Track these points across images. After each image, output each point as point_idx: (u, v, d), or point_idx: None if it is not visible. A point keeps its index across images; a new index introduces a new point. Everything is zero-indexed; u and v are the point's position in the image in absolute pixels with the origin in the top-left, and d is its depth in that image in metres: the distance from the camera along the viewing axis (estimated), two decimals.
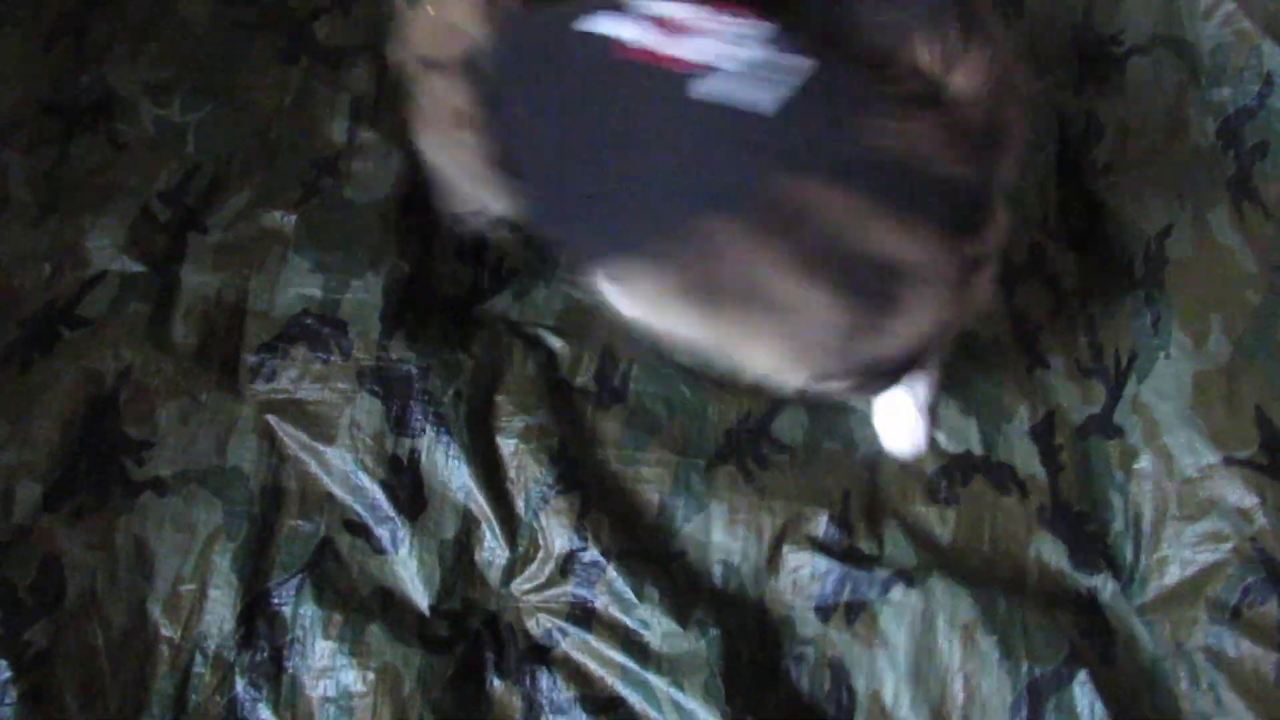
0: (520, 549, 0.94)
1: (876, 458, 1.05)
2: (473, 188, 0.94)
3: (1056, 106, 1.34)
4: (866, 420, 1.07)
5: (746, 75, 0.68)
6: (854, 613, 0.94)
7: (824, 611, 0.94)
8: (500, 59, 0.83)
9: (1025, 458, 1.07)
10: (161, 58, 1.21)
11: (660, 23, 0.73)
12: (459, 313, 1.07)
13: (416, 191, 1.13)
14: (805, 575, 0.95)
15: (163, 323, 1.01)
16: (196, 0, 1.27)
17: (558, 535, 0.93)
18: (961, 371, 1.13)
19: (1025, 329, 1.18)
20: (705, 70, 0.68)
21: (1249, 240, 1.17)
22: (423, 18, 0.92)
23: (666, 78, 0.70)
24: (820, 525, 0.98)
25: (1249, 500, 0.98)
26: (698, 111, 0.68)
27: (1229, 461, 1.01)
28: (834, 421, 1.07)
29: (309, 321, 1.02)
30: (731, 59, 0.69)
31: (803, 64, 0.69)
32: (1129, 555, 1.02)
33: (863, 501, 1.02)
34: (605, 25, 0.75)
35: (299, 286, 1.05)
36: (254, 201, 1.10)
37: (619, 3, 0.77)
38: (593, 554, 0.94)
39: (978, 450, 1.07)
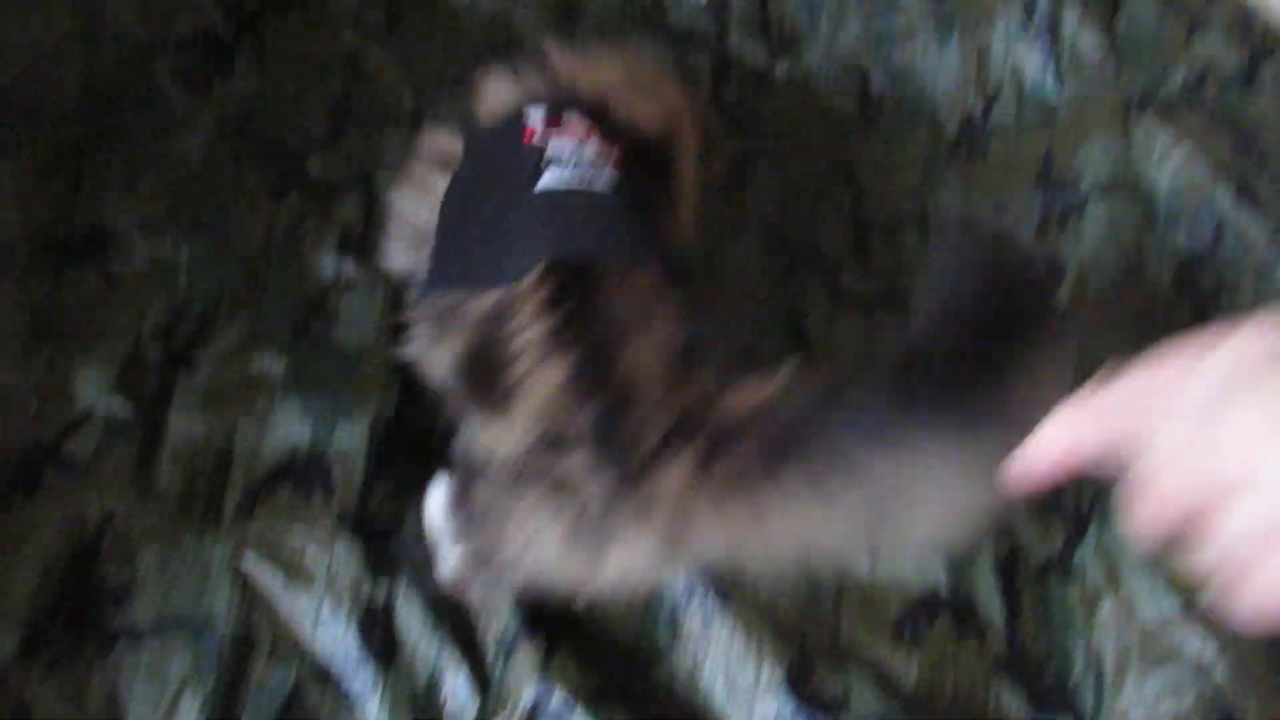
0: (490, 700, 0.94)
1: (840, 595, 1.07)
2: (408, 253, 1.01)
3: (1021, 244, 1.39)
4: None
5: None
6: None
7: None
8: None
9: (988, 597, 1.09)
10: (156, 193, 1.24)
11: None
12: (440, 453, 1.08)
13: (401, 329, 1.17)
14: None
15: (148, 467, 1.02)
16: (191, 135, 1.31)
17: (525, 683, 0.94)
18: None
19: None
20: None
21: None
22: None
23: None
24: (785, 668, 0.99)
25: (1209, 653, 1.01)
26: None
27: (1190, 611, 1.03)
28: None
29: (294, 465, 1.04)
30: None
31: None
32: (1090, 701, 1.03)
33: (826, 643, 1.03)
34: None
35: (286, 430, 1.07)
36: (243, 342, 1.13)
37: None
38: (559, 700, 0.94)
39: (944, 586, 1.09)
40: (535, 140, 0.88)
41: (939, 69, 1.55)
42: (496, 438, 0.76)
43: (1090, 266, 1.34)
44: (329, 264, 1.21)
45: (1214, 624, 1.02)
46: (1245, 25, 1.52)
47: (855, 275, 1.35)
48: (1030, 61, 1.52)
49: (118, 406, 1.06)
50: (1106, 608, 1.07)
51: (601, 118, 0.94)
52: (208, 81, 1.36)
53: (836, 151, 1.49)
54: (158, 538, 0.99)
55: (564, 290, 0.74)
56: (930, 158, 1.50)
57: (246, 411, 1.08)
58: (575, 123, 0.90)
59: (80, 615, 0.93)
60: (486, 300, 0.78)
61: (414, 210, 0.99)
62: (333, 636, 0.95)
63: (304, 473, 1.04)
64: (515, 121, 0.91)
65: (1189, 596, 1.04)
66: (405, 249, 1.01)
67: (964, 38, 1.55)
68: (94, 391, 1.07)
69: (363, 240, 1.25)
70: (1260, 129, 1.44)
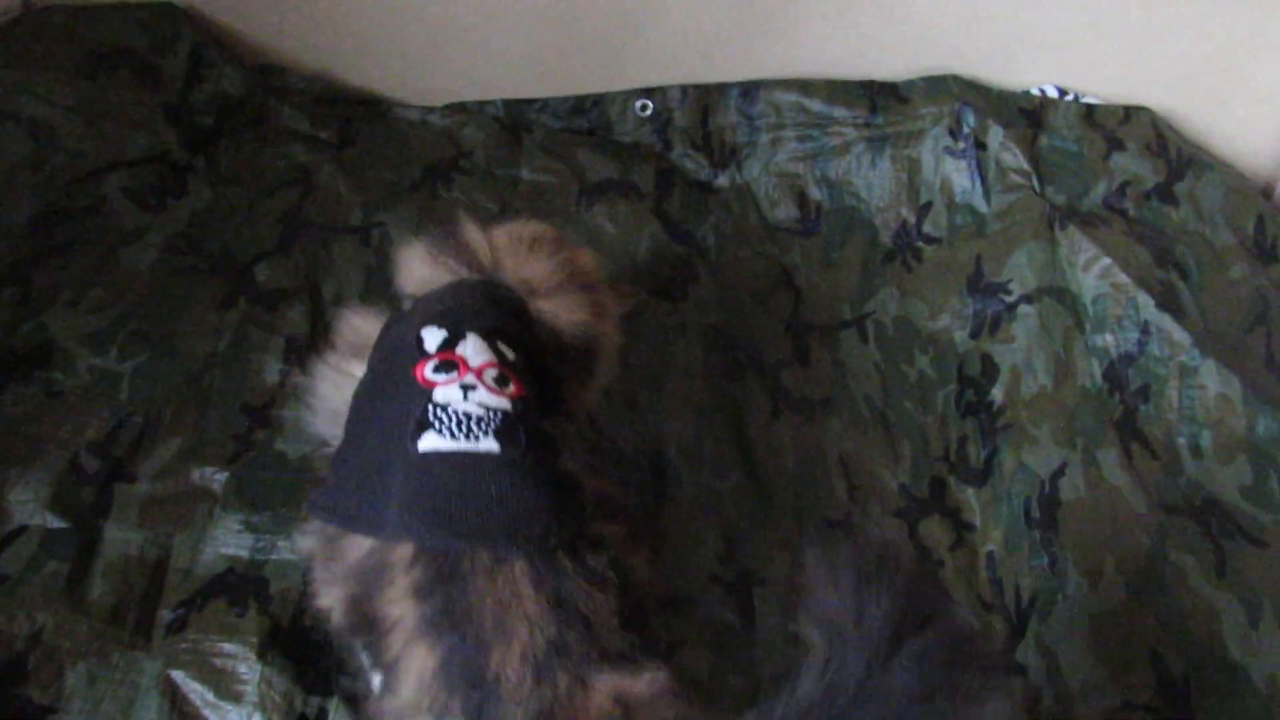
0: None
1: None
2: (327, 425, 1.01)
3: (954, 348, 1.44)
4: (772, 654, 1.09)
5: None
6: None
7: None
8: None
9: None
10: (103, 305, 1.25)
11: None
12: None
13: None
14: None
15: (80, 581, 1.01)
16: (142, 249, 1.33)
17: None
18: None
19: (929, 564, 1.22)
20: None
21: (1137, 480, 1.25)
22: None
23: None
24: None
25: None
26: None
27: (1128, 706, 1.04)
28: (739, 659, 1.09)
29: (230, 579, 1.04)
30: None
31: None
32: None
33: None
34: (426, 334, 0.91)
35: (225, 546, 1.06)
36: (184, 454, 1.13)
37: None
38: None
39: None
40: (426, 375, 0.86)
41: (873, 182, 1.62)
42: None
43: (1023, 368, 1.38)
44: (273, 373, 1.22)
45: (1153, 717, 1.03)
46: (1160, 144, 1.61)
47: (796, 377, 1.39)
48: (958, 176, 1.59)
49: (53, 520, 1.05)
50: (1047, 703, 1.07)
51: (515, 314, 0.96)
52: (160, 199, 1.39)
53: (777, 258, 1.54)
54: (87, 654, 0.97)
55: (435, 576, 0.76)
56: (867, 264, 1.55)
57: (184, 525, 1.08)
58: (471, 352, 0.88)
59: None
60: (364, 546, 0.80)
61: (331, 392, 1.00)
62: None
63: (240, 587, 1.03)
64: (409, 345, 0.90)
65: (1128, 693, 1.05)
66: (325, 422, 1.02)
67: (895, 153, 1.62)
68: (28, 508, 1.06)
69: (308, 349, 1.26)
70: (1178, 240, 1.51)
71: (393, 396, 0.87)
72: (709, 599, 1.14)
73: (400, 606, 0.76)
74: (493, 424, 0.82)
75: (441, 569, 0.76)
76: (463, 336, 0.89)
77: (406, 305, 1.02)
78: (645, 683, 0.76)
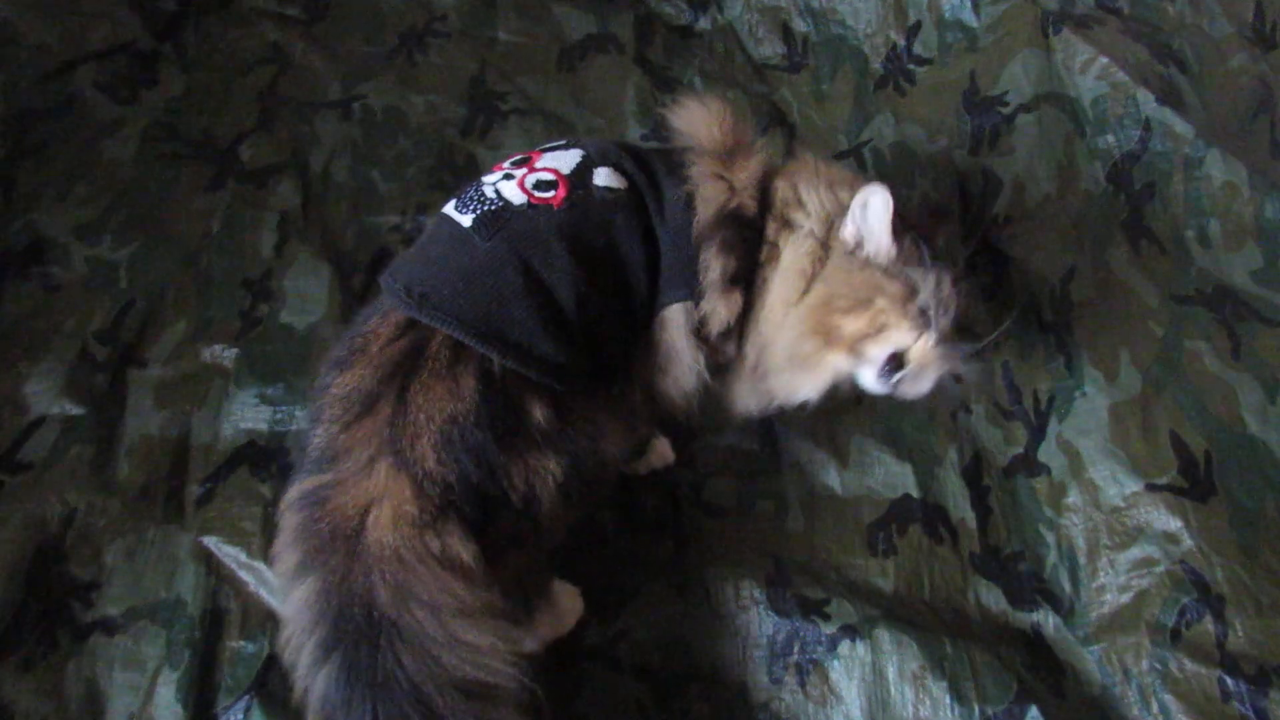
0: None
1: (813, 513, 1.09)
2: None
3: (955, 167, 1.41)
4: (798, 476, 1.11)
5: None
6: (804, 672, 0.95)
7: (774, 674, 0.95)
8: None
9: (957, 499, 1.11)
10: (90, 198, 1.24)
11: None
12: None
13: (349, 304, 1.17)
14: (753, 636, 0.97)
15: (106, 464, 1.02)
16: (122, 140, 1.31)
17: None
18: (893, 420, 1.17)
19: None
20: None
21: (1147, 275, 1.24)
22: None
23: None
24: (762, 585, 0.99)
25: (1174, 524, 1.02)
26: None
27: (1151, 488, 1.05)
28: (766, 483, 1.11)
29: (252, 451, 1.04)
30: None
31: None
32: (1067, 587, 1.05)
33: (802, 559, 1.04)
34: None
35: (243, 420, 1.07)
36: (192, 334, 1.13)
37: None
38: None
39: (915, 493, 1.10)
40: (504, 164, 0.89)
41: (858, 7, 1.57)
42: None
43: (1025, 178, 1.36)
44: (269, 244, 1.21)
45: (1173, 498, 1.04)
46: None
47: None
48: None
49: (71, 408, 1.05)
50: (1072, 495, 1.08)
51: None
52: (133, 89, 1.35)
53: (766, 96, 1.51)
54: (123, 531, 0.98)
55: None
56: (859, 93, 1.52)
57: (201, 403, 1.08)
58: (553, 160, 0.87)
59: (51, 613, 0.93)
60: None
61: None
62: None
63: (261, 458, 1.03)
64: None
65: (1151, 474, 1.06)
66: None
67: None
68: (45, 398, 1.06)
69: (302, 218, 1.25)
70: (1176, 34, 1.47)
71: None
72: (733, 431, 1.15)
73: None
74: (486, 206, 0.83)
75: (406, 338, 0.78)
76: (567, 148, 0.89)
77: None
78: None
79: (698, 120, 0.91)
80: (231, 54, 1.41)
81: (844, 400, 1.17)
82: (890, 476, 1.11)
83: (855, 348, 0.89)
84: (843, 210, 0.91)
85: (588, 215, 0.84)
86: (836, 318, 0.88)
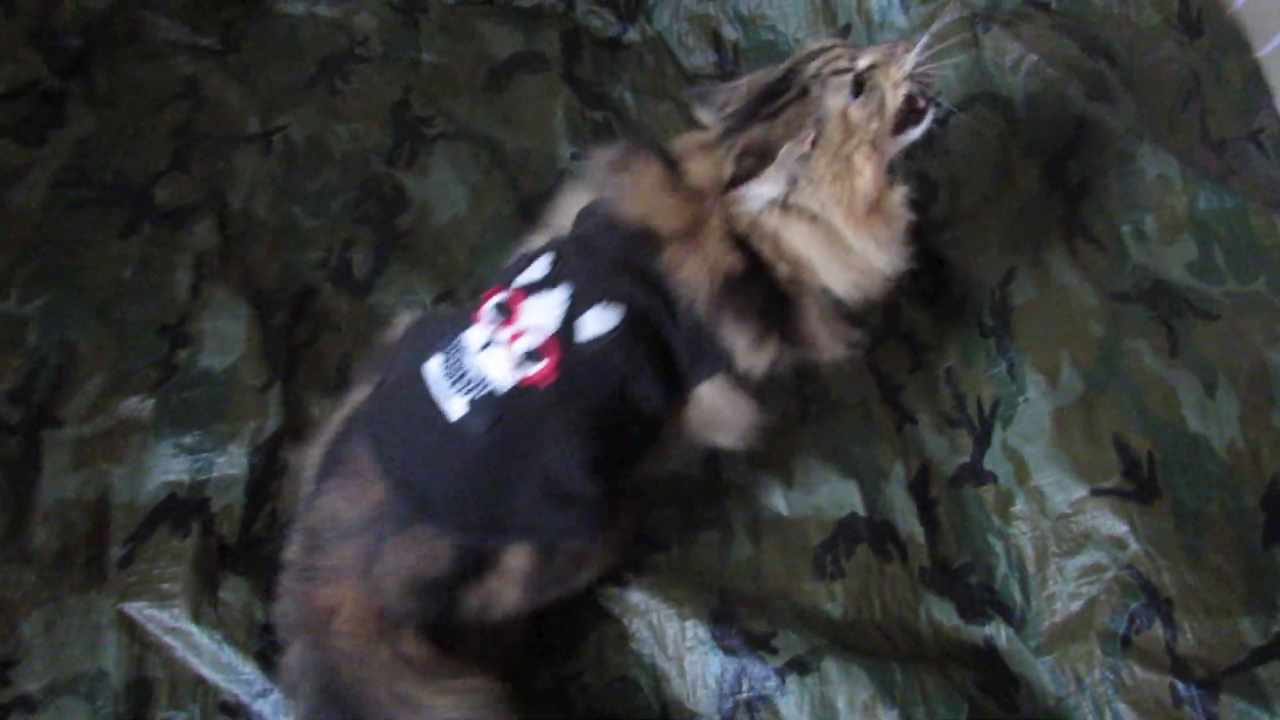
0: None
1: (759, 538, 1.07)
2: None
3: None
4: (742, 500, 1.09)
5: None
6: (754, 709, 0.94)
7: (724, 712, 0.94)
8: None
9: (905, 515, 1.09)
10: None
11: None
12: None
13: (270, 342, 1.13)
14: (702, 677, 0.95)
15: (21, 532, 0.98)
16: (29, 186, 1.26)
17: None
18: (836, 436, 1.15)
19: (889, 388, 1.21)
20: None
21: (1086, 274, 1.23)
22: None
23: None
24: (707, 623, 0.97)
25: (1120, 528, 1.02)
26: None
27: (1096, 493, 1.04)
28: (710, 510, 1.08)
29: (173, 505, 1.01)
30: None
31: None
32: (1018, 598, 1.04)
33: (748, 589, 1.02)
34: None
35: (164, 473, 1.03)
36: (109, 388, 1.08)
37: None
38: None
39: (862, 511, 1.09)
40: (484, 307, 0.83)
41: (787, 11, 1.55)
42: None
43: (961, 180, 1.35)
44: (184, 289, 1.17)
45: (1119, 502, 1.03)
46: None
47: None
48: None
49: None
50: (1019, 503, 1.07)
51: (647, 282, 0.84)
52: (39, 131, 1.31)
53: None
54: (39, 602, 0.94)
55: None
56: None
57: (119, 459, 1.04)
58: (531, 308, 0.82)
59: None
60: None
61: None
62: (231, 666, 0.92)
63: (181, 511, 1.00)
64: (517, 263, 0.88)
65: (1096, 479, 1.05)
66: None
67: None
68: None
69: (220, 258, 1.21)
70: (1103, 26, 1.47)
71: (471, 309, 0.86)
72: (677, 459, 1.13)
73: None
74: (472, 391, 0.80)
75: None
76: (551, 286, 0.83)
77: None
78: None
79: (644, 196, 0.86)
80: (143, 90, 1.36)
81: (790, 419, 1.16)
82: (836, 495, 1.10)
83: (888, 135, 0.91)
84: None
85: (586, 377, 0.81)
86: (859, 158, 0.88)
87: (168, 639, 0.93)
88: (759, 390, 0.91)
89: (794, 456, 1.13)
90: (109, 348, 1.11)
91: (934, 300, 1.29)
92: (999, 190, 1.33)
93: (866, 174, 0.87)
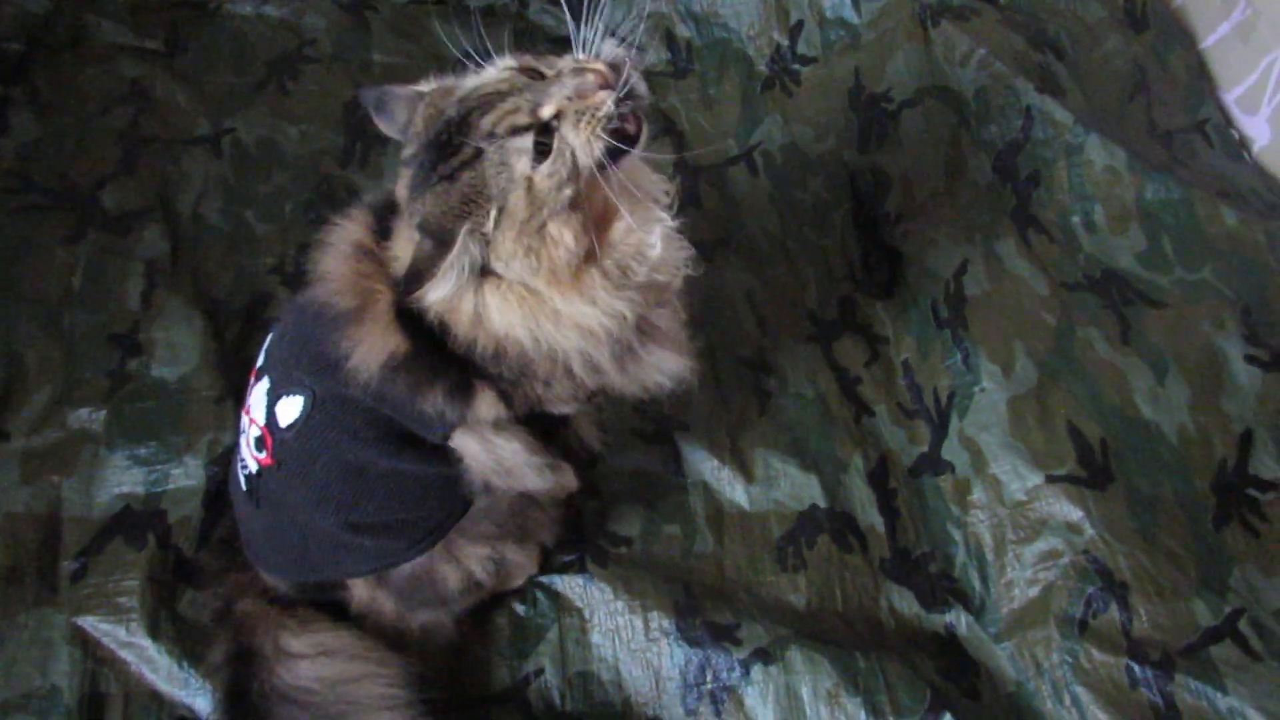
0: None
1: (721, 531, 1.07)
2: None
3: (845, 166, 1.41)
4: (704, 494, 1.09)
5: None
6: (719, 701, 0.94)
7: (689, 705, 0.94)
8: None
9: (864, 506, 1.10)
10: None
11: None
12: None
13: (224, 352, 1.12)
14: (664, 669, 0.95)
15: None
16: None
17: None
18: (796, 430, 1.16)
19: (847, 380, 1.22)
20: None
21: (1037, 264, 1.25)
22: None
23: None
24: (671, 615, 0.98)
25: (1075, 514, 1.03)
26: None
27: (1051, 480, 1.06)
28: (672, 505, 1.09)
29: (127, 518, 0.99)
30: None
31: None
32: (977, 585, 1.05)
33: (712, 581, 1.03)
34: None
35: (117, 485, 1.01)
36: (58, 399, 1.06)
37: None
38: None
39: (822, 503, 1.09)
40: (252, 386, 0.84)
41: (739, 9, 1.56)
42: None
43: (914, 174, 1.36)
44: (136, 295, 1.15)
45: (1073, 489, 1.05)
46: None
47: (689, 220, 1.34)
48: None
49: None
50: (977, 492, 1.08)
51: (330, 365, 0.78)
52: None
53: (654, 104, 1.48)
54: None
55: None
56: (746, 95, 1.51)
57: (70, 472, 1.02)
58: (253, 400, 0.82)
59: None
60: None
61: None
62: (187, 682, 0.90)
63: (136, 523, 0.98)
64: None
65: (1051, 466, 1.07)
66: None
67: None
68: None
69: (171, 264, 1.19)
70: (1051, 20, 1.49)
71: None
72: (635, 455, 1.12)
73: None
74: (245, 469, 0.86)
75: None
76: (260, 375, 0.84)
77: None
78: None
79: (330, 268, 0.79)
80: (87, 94, 1.34)
81: (747, 413, 1.17)
82: (796, 488, 1.10)
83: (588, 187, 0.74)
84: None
85: (298, 459, 0.81)
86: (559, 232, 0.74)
87: (122, 653, 0.91)
88: (550, 431, 0.85)
89: (753, 451, 1.13)
90: (57, 358, 1.09)
91: (889, 293, 1.30)
92: (951, 183, 1.35)
93: (566, 240, 0.73)
